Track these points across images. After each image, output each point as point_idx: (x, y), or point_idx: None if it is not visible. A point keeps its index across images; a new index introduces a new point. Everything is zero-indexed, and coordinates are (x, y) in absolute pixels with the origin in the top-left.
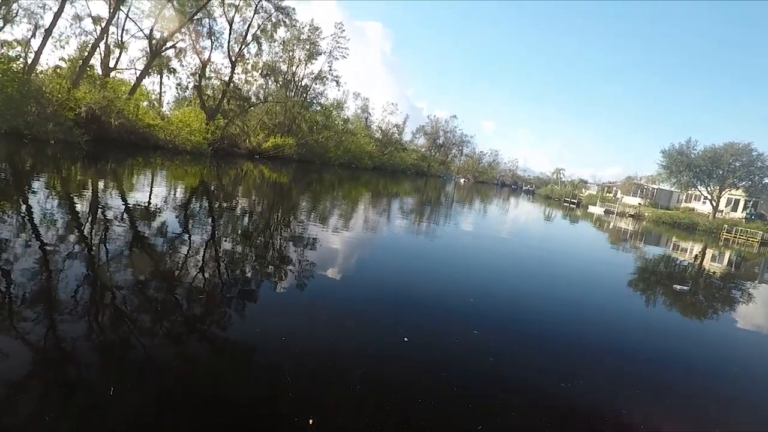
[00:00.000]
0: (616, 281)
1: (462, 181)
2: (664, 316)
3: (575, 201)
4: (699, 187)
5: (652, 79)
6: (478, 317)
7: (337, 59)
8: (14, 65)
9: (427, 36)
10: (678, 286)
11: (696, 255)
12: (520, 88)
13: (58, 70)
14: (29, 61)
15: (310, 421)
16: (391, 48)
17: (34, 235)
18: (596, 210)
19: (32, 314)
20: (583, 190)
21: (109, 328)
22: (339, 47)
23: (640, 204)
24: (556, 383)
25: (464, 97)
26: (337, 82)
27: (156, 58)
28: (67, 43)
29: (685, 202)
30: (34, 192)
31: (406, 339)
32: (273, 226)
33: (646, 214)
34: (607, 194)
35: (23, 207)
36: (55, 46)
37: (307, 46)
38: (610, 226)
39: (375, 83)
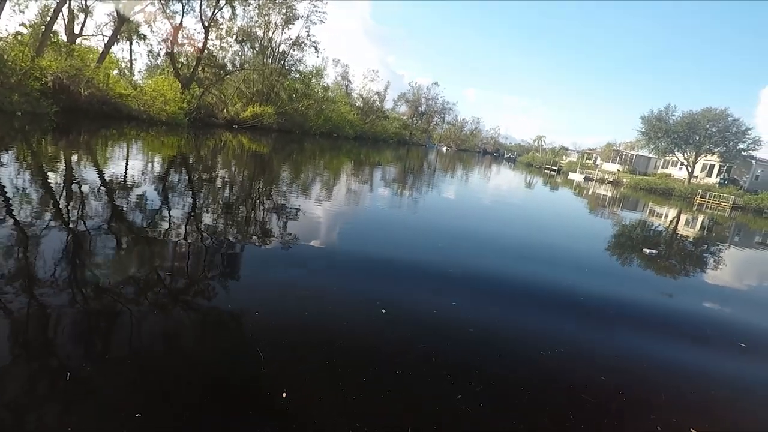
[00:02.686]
0: (592, 247)
1: (444, 149)
2: (636, 279)
3: (556, 168)
4: (676, 152)
5: (638, 47)
6: (458, 288)
7: (315, 24)
8: None
9: (407, 1)
10: (648, 250)
11: (670, 220)
12: (502, 56)
13: (19, 37)
14: None
15: (284, 395)
16: (371, 14)
17: (6, 210)
18: (576, 177)
19: (11, 289)
20: (564, 158)
21: (83, 303)
22: (316, 11)
23: (618, 170)
24: (535, 351)
25: (446, 65)
26: (316, 48)
27: (124, 24)
28: (27, 7)
29: (662, 168)
30: (2, 165)
31: (383, 311)
32: (252, 198)
33: (625, 180)
34: (587, 161)
35: None
36: (14, 10)
37: (284, 10)
38: (589, 193)
39: (354, 50)
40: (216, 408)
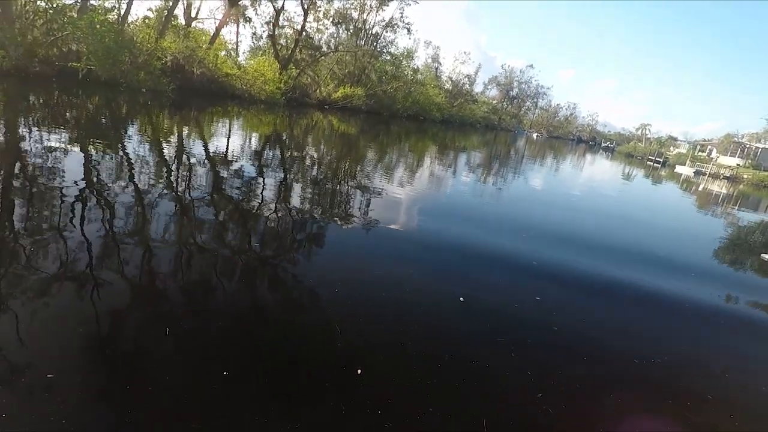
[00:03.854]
0: (698, 248)
1: (535, 135)
2: (754, 287)
3: (660, 160)
4: None
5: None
6: (541, 282)
7: (409, 5)
8: (110, 16)
9: None
10: (767, 256)
11: None
12: (604, 30)
13: (146, 21)
14: (122, 12)
15: (359, 372)
16: None
17: (128, 174)
18: (685, 170)
19: (128, 245)
20: (672, 149)
21: (185, 264)
22: None
23: (738, 165)
24: (628, 359)
25: (542, 44)
26: (408, 29)
27: (233, 7)
28: None
29: None
30: (129, 136)
31: (461, 299)
32: (338, 177)
33: (745, 176)
34: (700, 153)
35: (120, 150)
36: None
37: None
38: (699, 189)
39: (446, 30)
40: (294, 376)
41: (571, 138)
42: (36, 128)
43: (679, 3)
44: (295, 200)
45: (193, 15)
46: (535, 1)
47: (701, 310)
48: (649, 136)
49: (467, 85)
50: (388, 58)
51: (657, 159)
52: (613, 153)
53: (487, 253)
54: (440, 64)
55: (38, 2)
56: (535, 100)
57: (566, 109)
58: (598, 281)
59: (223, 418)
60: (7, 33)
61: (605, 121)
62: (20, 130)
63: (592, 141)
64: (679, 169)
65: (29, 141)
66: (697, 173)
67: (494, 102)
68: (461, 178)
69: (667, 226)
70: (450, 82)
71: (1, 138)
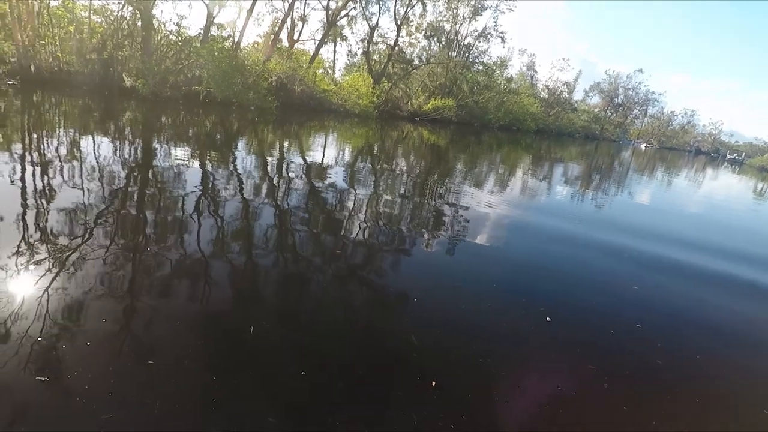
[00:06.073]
0: None
1: (643, 146)
2: None
3: None
4: None
5: None
6: (644, 309)
7: (504, 13)
8: (226, 44)
9: None
10: None
11: None
12: (725, 26)
13: (255, 45)
14: (236, 39)
15: (433, 384)
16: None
17: (236, 184)
18: None
19: (232, 249)
20: None
21: (283, 265)
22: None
23: None
24: (753, 406)
25: (650, 48)
26: (502, 38)
27: (331, 28)
28: (263, 20)
29: None
30: (239, 149)
31: (548, 319)
32: (425, 188)
33: None
34: None
35: (230, 161)
36: (254, 24)
37: (472, 2)
38: None
39: (543, 37)
40: (368, 381)
41: (687, 149)
42: (166, 143)
43: None
44: (382, 210)
45: (295, 38)
46: (641, 2)
47: None
48: None
49: (565, 93)
50: (481, 68)
51: None
52: (742, 166)
53: (580, 273)
54: (536, 72)
55: (170, 36)
56: (644, 107)
57: (682, 116)
58: (713, 309)
59: (296, 411)
60: (147, 64)
61: (731, 129)
62: (155, 144)
63: (714, 152)
64: None
65: (162, 153)
66: None
67: (596, 110)
68: (556, 192)
69: None
70: (546, 90)
71: (141, 151)
